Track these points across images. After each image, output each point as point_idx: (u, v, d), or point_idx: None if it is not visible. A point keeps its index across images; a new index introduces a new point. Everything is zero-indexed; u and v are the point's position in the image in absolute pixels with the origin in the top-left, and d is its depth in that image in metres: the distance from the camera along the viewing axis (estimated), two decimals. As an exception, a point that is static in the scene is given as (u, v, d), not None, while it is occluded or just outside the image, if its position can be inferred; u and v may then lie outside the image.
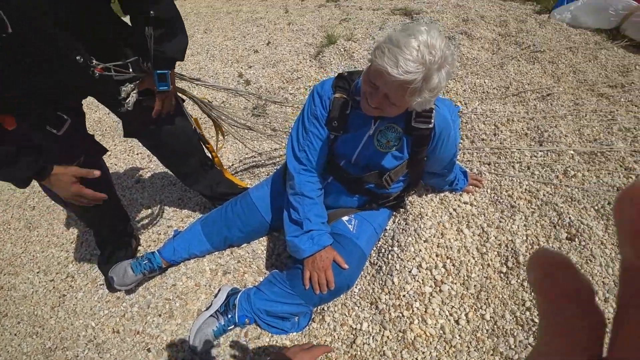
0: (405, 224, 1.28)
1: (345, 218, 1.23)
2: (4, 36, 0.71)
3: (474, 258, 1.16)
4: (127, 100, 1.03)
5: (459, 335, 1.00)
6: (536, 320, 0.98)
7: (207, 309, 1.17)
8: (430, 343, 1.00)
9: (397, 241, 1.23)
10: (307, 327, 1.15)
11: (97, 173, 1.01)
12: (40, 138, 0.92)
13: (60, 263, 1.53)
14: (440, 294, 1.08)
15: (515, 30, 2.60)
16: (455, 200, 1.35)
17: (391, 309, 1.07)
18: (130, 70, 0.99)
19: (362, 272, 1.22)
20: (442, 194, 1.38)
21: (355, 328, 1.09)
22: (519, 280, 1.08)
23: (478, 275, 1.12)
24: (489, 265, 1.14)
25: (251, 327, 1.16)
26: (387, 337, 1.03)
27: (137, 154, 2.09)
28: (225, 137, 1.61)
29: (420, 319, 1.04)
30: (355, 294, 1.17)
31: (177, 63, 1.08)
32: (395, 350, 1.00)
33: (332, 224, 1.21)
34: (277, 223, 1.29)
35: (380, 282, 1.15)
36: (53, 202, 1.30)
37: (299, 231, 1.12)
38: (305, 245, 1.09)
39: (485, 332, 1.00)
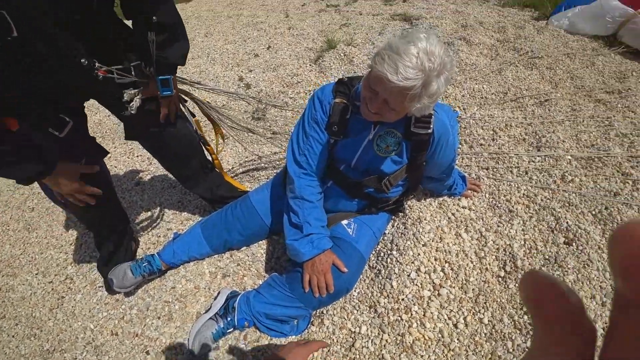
0: (404, 228, 1.29)
1: (344, 222, 1.23)
2: (9, 39, 0.72)
3: (472, 262, 1.17)
4: (130, 105, 1.04)
5: (458, 339, 1.00)
6: (534, 324, 0.98)
7: (206, 311, 1.17)
8: (429, 347, 1.00)
9: (396, 245, 1.24)
10: (306, 330, 1.15)
11: (96, 168, 1.10)
12: (41, 138, 0.93)
13: (59, 265, 1.53)
14: (439, 297, 1.09)
15: (514, 37, 2.63)
16: (453, 204, 1.36)
17: (390, 313, 1.08)
18: (133, 74, 1.00)
19: (361, 276, 1.22)
20: (440, 199, 1.39)
21: (354, 331, 1.09)
22: (516, 285, 1.08)
23: (476, 279, 1.12)
24: (487, 269, 1.15)
25: (250, 330, 1.16)
26: (386, 340, 1.03)
27: (137, 156, 2.09)
28: (225, 140, 1.61)
29: (418, 322, 1.04)
30: (354, 297, 1.17)
31: (178, 67, 1.09)
32: (394, 353, 1.00)
33: (331, 227, 1.22)
34: (277, 226, 1.29)
35: (379, 285, 1.16)
36: (52, 203, 1.30)
37: (299, 235, 1.12)
38: (305, 249, 1.10)
39: (483, 336, 1.00)
